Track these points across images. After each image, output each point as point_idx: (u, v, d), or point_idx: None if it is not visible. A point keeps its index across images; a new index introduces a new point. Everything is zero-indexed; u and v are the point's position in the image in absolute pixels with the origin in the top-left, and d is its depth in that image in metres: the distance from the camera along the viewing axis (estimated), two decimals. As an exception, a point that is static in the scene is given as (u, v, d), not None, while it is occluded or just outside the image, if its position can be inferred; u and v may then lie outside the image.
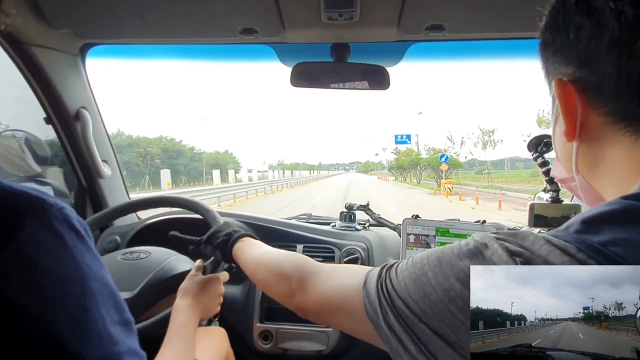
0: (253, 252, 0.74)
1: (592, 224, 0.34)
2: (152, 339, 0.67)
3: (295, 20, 1.01)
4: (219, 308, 0.90)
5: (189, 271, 0.87)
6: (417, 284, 0.39)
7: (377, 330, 0.42)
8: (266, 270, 0.66)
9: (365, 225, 1.47)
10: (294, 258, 0.62)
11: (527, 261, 0.34)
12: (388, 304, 0.41)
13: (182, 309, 0.78)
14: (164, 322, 0.76)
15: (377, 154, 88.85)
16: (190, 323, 0.76)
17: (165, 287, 0.92)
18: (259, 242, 0.79)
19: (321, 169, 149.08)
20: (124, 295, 0.86)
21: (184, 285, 0.84)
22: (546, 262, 0.33)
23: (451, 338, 0.35)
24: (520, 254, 0.34)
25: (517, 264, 0.34)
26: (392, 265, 0.44)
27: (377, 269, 0.46)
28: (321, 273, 0.55)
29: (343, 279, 0.51)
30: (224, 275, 0.93)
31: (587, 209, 0.36)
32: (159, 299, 0.92)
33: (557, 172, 0.49)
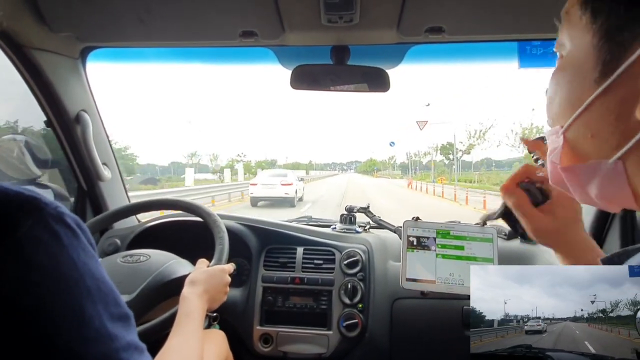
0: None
1: None
2: (158, 340, 0.67)
3: (295, 23, 1.01)
4: (225, 297, 0.91)
5: (188, 275, 0.87)
6: None
7: None
8: None
9: (366, 228, 1.47)
10: None
11: None
12: None
13: (190, 298, 0.78)
14: (169, 323, 0.76)
15: (392, 144, 61.74)
16: (197, 310, 0.77)
17: (164, 290, 0.92)
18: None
19: (313, 168, 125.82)
20: (123, 298, 0.86)
21: (191, 276, 0.85)
22: None
23: None
24: None
25: None
26: None
27: None
28: None
29: None
30: (230, 266, 0.95)
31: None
32: (157, 302, 0.92)
33: (562, 158, 0.38)
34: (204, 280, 0.84)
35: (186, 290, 0.80)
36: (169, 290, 0.92)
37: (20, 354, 0.36)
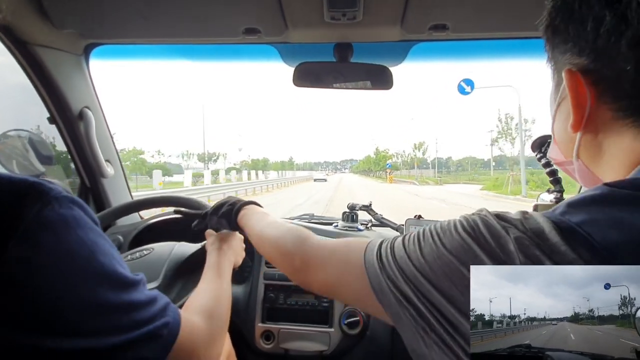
0: (257, 223, 0.76)
1: (574, 206, 0.35)
2: None
3: (298, 20, 1.01)
4: (244, 253, 0.96)
5: (198, 251, 0.93)
6: (425, 249, 0.39)
7: (382, 302, 0.42)
8: (270, 245, 0.68)
9: (368, 226, 1.46)
10: (295, 234, 0.62)
11: (508, 226, 0.35)
12: (394, 272, 0.40)
13: (214, 250, 0.85)
14: None
15: (466, 86, 20.81)
16: (222, 260, 0.82)
17: (186, 268, 0.94)
18: (262, 211, 0.82)
19: (295, 167, 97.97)
20: (150, 285, 0.87)
21: (208, 240, 0.90)
22: (525, 230, 0.34)
23: (459, 299, 0.35)
24: (506, 219, 0.36)
25: (506, 232, 0.35)
26: (391, 240, 0.45)
27: (376, 243, 0.46)
28: (322, 250, 0.55)
29: (344, 256, 0.51)
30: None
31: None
32: (183, 280, 0.94)
33: (554, 154, 0.49)
34: (223, 239, 0.89)
35: (210, 246, 0.87)
36: (189, 267, 0.94)
37: (30, 332, 0.37)
